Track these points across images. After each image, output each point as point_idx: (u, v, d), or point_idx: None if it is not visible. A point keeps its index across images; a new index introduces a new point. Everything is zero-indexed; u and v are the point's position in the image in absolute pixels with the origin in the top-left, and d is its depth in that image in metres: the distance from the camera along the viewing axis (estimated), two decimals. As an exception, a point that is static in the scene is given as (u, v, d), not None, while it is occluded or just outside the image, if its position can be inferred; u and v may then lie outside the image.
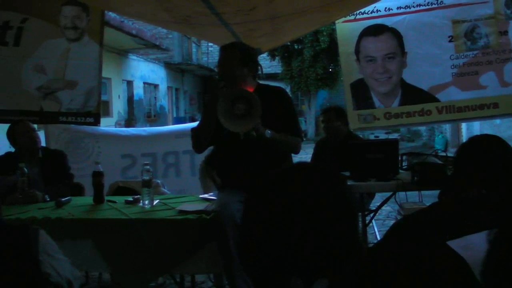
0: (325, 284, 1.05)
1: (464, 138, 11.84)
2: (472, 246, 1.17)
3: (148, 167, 3.10)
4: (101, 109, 4.96)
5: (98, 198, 3.28)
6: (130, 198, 3.26)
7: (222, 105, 2.75)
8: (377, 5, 4.61)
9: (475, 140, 1.77)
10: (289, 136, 2.98)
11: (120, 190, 3.99)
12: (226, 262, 2.72)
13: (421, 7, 4.62)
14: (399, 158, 3.99)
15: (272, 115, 2.79)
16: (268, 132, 2.81)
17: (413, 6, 4.64)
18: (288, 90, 19.13)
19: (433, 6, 4.59)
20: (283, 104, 3.04)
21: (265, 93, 2.84)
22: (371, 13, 4.70)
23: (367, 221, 4.12)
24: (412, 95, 4.69)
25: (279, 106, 2.96)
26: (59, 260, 1.72)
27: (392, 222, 4.35)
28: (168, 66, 19.94)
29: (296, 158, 3.20)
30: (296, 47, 19.77)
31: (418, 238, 1.30)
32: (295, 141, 3.04)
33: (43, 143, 4.14)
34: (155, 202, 3.16)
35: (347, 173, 3.78)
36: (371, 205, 4.55)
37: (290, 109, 3.10)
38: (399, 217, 4.46)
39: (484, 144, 1.69)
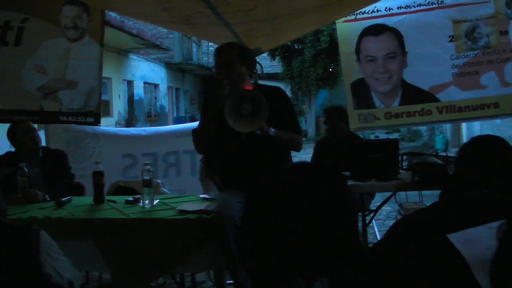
0: (325, 283, 1.06)
1: (465, 138, 11.83)
2: (473, 240, 1.17)
3: (148, 167, 3.10)
4: (102, 109, 4.96)
5: (99, 198, 3.28)
6: (130, 198, 3.26)
7: (229, 105, 2.77)
8: (378, 5, 4.60)
9: (476, 140, 1.77)
10: (291, 133, 3.05)
11: (120, 190, 3.99)
12: (228, 260, 2.73)
13: (422, 7, 4.61)
14: (400, 158, 3.99)
15: (271, 114, 2.81)
16: (271, 130, 2.85)
17: (414, 6, 4.63)
18: (288, 90, 19.19)
19: (434, 6, 4.58)
20: (282, 103, 3.09)
21: (263, 93, 2.85)
22: (371, 13, 4.69)
23: (367, 221, 4.12)
24: (413, 95, 4.68)
25: (277, 105, 2.99)
26: (60, 261, 1.72)
27: (392, 222, 4.36)
28: (169, 66, 19.95)
29: (296, 158, 3.21)
30: (296, 46, 19.78)
31: (418, 238, 1.30)
32: (297, 138, 3.14)
33: (43, 143, 4.14)
34: (156, 202, 3.16)
35: (348, 173, 3.78)
36: (371, 205, 4.56)
37: (289, 107, 3.16)
38: (399, 217, 4.46)
39: (486, 144, 1.69)
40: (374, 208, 4.38)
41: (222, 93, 2.88)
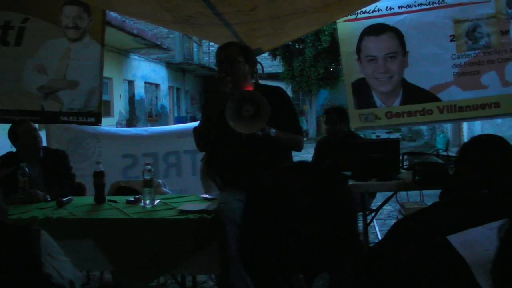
0: (326, 279, 1.06)
1: (466, 137, 11.82)
2: (472, 242, 1.16)
3: (149, 167, 3.10)
4: (103, 109, 4.96)
5: (99, 198, 3.28)
6: (131, 198, 3.26)
7: (230, 107, 2.76)
8: (379, 5, 4.60)
9: (477, 140, 1.77)
10: (292, 134, 3.04)
11: (121, 190, 3.99)
12: (223, 262, 2.71)
13: (423, 7, 4.60)
14: (400, 158, 3.99)
15: (272, 114, 2.80)
16: (272, 131, 2.85)
17: (415, 6, 4.62)
18: (289, 89, 19.20)
19: (435, 5, 4.57)
20: (282, 103, 3.08)
21: (264, 93, 2.85)
22: (372, 12, 4.69)
23: (368, 221, 4.12)
24: (413, 94, 4.68)
25: (278, 105, 2.98)
26: (61, 261, 1.72)
27: (393, 221, 4.36)
28: (169, 65, 19.96)
29: (297, 158, 3.21)
30: (297, 46, 19.78)
31: (419, 238, 1.29)
32: (298, 138, 3.13)
33: (44, 143, 4.14)
34: (156, 201, 3.17)
35: (349, 173, 3.78)
36: (372, 205, 4.55)
37: (290, 107, 3.15)
38: (400, 217, 4.46)
39: (486, 144, 1.69)
40: (375, 208, 4.38)
41: (224, 91, 2.87)
